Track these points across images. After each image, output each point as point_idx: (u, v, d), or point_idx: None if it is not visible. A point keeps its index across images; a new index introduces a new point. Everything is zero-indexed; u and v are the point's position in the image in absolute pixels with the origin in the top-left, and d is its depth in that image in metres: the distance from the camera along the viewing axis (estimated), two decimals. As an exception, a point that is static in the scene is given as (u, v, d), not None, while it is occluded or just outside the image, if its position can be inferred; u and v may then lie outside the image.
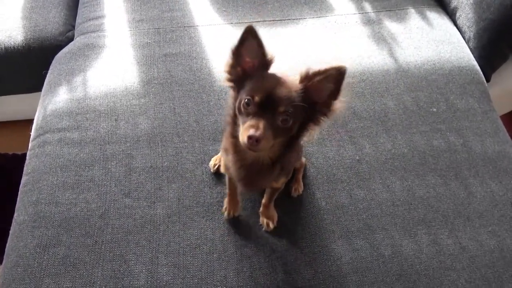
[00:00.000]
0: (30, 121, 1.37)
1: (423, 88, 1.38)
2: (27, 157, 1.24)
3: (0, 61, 1.51)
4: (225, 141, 0.88)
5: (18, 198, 1.16)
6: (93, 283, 0.98)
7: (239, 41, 0.80)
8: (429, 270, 1.05)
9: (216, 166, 1.14)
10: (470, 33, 1.51)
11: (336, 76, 0.76)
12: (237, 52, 0.81)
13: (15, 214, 1.13)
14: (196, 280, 1.00)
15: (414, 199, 1.15)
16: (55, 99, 1.33)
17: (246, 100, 0.76)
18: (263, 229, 1.08)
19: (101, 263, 1.01)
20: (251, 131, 0.73)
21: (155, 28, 1.48)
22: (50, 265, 1.01)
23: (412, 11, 1.58)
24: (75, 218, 1.07)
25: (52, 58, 1.47)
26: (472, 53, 1.49)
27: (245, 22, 1.53)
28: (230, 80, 0.83)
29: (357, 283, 1.01)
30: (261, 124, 0.74)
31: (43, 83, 1.42)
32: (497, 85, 1.57)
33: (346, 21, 1.54)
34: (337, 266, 1.03)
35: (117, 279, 0.99)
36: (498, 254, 1.08)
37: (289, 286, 1.00)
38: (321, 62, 1.40)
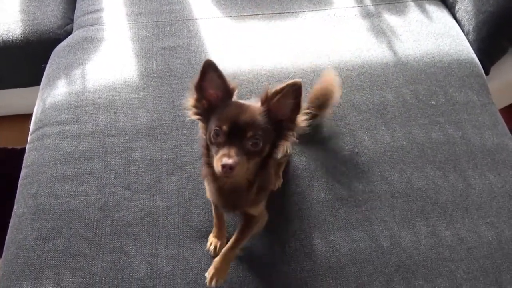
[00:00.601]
0: (29, 116, 1.37)
1: (422, 81, 1.38)
2: (26, 150, 1.24)
3: (-1, 54, 1.50)
4: (203, 170, 0.91)
5: (17, 191, 1.16)
6: (93, 274, 0.99)
7: (200, 75, 0.83)
8: (427, 261, 1.05)
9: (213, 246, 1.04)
10: (469, 26, 1.51)
11: (293, 91, 0.80)
12: (200, 86, 0.84)
13: (15, 207, 1.13)
14: (195, 272, 1.00)
15: (413, 191, 1.16)
16: (54, 92, 1.33)
17: (214, 131, 0.79)
18: (206, 284, 0.96)
19: (101, 255, 1.01)
20: (224, 160, 0.76)
21: (153, 22, 1.48)
22: (50, 257, 1.01)
23: (411, 4, 1.58)
24: (75, 211, 1.08)
25: (51, 52, 1.46)
26: (471, 46, 1.49)
27: (244, 15, 1.53)
28: (197, 113, 0.86)
29: (355, 274, 1.02)
30: (233, 152, 0.77)
31: (41, 77, 1.42)
32: (496, 78, 1.57)
33: (345, 14, 1.54)
34: (336, 257, 1.04)
35: (117, 270, 0.99)
36: (496, 245, 1.09)
37: (288, 276, 1.00)
38: (320, 55, 1.41)
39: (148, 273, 0.99)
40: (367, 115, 1.29)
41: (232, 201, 0.92)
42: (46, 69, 1.42)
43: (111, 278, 0.98)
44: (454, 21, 1.56)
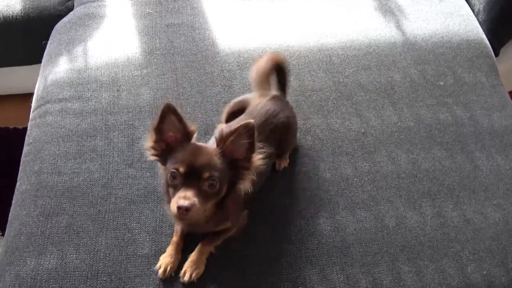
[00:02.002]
0: (31, 95, 1.35)
1: (430, 61, 1.36)
2: (28, 128, 1.23)
3: (-1, 31, 1.48)
4: (166, 206, 0.90)
5: (20, 168, 1.15)
6: (97, 251, 0.98)
7: (159, 118, 0.83)
8: (433, 242, 1.04)
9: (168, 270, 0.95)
10: (479, 6, 1.48)
11: (245, 132, 0.82)
12: (158, 129, 0.84)
13: (17, 184, 1.12)
14: (200, 249, 0.99)
15: (419, 172, 1.15)
16: (56, 69, 1.30)
17: (171, 173, 0.80)
18: (180, 279, 0.92)
19: (104, 232, 1.01)
20: (180, 202, 0.77)
21: (156, -2, 1.45)
22: (54, 233, 1.00)
23: (420, -18, 1.54)
24: (78, 188, 1.07)
25: (52, 29, 1.44)
26: (481, 26, 1.46)
27: (250, -9, 1.49)
28: (155, 155, 0.86)
29: (361, 253, 1.01)
30: (189, 194, 0.78)
31: (43, 55, 1.40)
32: (505, 60, 1.54)
33: (353, -8, 1.50)
34: (341, 237, 1.03)
35: (121, 247, 0.99)
36: (503, 226, 1.08)
37: (293, 256, 1.00)
38: (326, 34, 1.38)
39: (153, 251, 0.99)
40: (374, 95, 1.27)
41: (195, 228, 0.94)
42: (47, 46, 1.40)
43: (115, 254, 0.98)
44: (463, 0, 1.52)
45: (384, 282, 0.98)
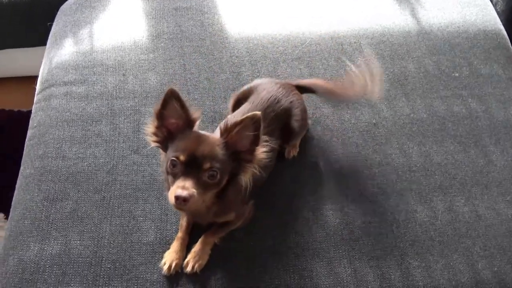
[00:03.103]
0: (35, 78, 1.33)
1: (445, 51, 1.32)
2: (32, 111, 1.21)
3: (4, 12, 1.46)
4: (166, 193, 0.88)
5: (24, 152, 1.14)
6: (101, 237, 0.97)
7: (162, 104, 0.81)
8: (443, 237, 1.02)
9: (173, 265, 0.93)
10: (498, -5, 1.43)
11: (252, 124, 0.79)
12: (160, 114, 0.82)
13: (21, 168, 1.10)
14: (205, 239, 0.98)
15: (431, 165, 1.12)
16: (61, 51, 1.28)
17: (171, 161, 0.78)
18: (184, 270, 0.91)
19: (109, 218, 0.99)
20: (178, 192, 0.75)
21: (165, -20, 1.41)
22: (58, 218, 0.99)
23: (437, -30, 1.49)
24: (83, 173, 1.05)
25: (57, 10, 1.41)
26: (499, 17, 1.42)
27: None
28: (156, 141, 0.85)
29: (369, 247, 0.99)
30: (188, 184, 0.76)
31: (47, 37, 1.37)
32: (522, 52, 1.49)
33: (367, -22, 1.45)
34: (349, 230, 1.01)
35: (126, 234, 0.97)
36: (516, 223, 1.06)
37: (299, 247, 0.98)
38: (339, 22, 1.34)
39: (157, 238, 0.97)
40: (386, 85, 1.23)
41: (198, 218, 0.92)
42: (52, 27, 1.37)
43: (119, 241, 0.96)
44: (482, -11, 1.47)
45: (392, 276, 0.96)
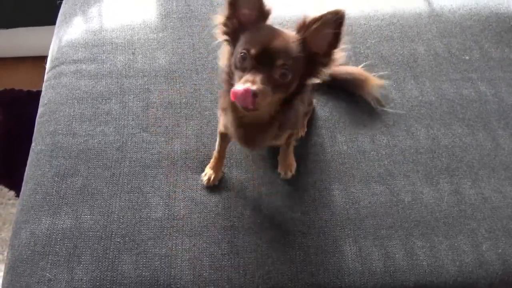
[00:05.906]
0: (45, 58, 1.33)
1: (456, 34, 1.30)
2: (42, 89, 1.22)
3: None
4: (223, 100, 0.84)
5: (35, 129, 1.15)
6: (111, 213, 0.99)
7: None
8: (448, 218, 1.03)
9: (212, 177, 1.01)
10: (512, -23, 1.40)
11: (334, 21, 0.71)
12: (233, 3, 0.76)
13: (33, 144, 1.12)
14: (212, 215, 0.99)
15: (438, 148, 1.12)
16: (70, 30, 1.28)
17: (241, 53, 0.71)
18: (281, 177, 1.04)
19: (118, 194, 1.01)
20: (247, 85, 0.68)
21: (174, -41, 1.40)
22: (68, 194, 1.01)
23: (450, -50, 1.46)
24: (93, 150, 1.06)
25: (67, -12, 1.40)
26: (512, -1, 1.39)
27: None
28: (225, 33, 0.78)
29: (374, 226, 1.00)
30: (258, 79, 0.69)
31: (57, 15, 1.37)
32: (535, 36, 1.47)
33: (378, -41, 1.43)
34: (355, 209, 1.02)
35: (135, 210, 0.99)
36: (521, 206, 1.06)
37: (305, 225, 0.99)
38: (348, 2, 1.33)
39: (166, 215, 0.99)
40: (395, 67, 1.23)
41: (250, 135, 0.85)
42: (62, 5, 1.37)
43: (129, 217, 0.98)
44: (495, -29, 1.44)
45: (396, 255, 0.97)
